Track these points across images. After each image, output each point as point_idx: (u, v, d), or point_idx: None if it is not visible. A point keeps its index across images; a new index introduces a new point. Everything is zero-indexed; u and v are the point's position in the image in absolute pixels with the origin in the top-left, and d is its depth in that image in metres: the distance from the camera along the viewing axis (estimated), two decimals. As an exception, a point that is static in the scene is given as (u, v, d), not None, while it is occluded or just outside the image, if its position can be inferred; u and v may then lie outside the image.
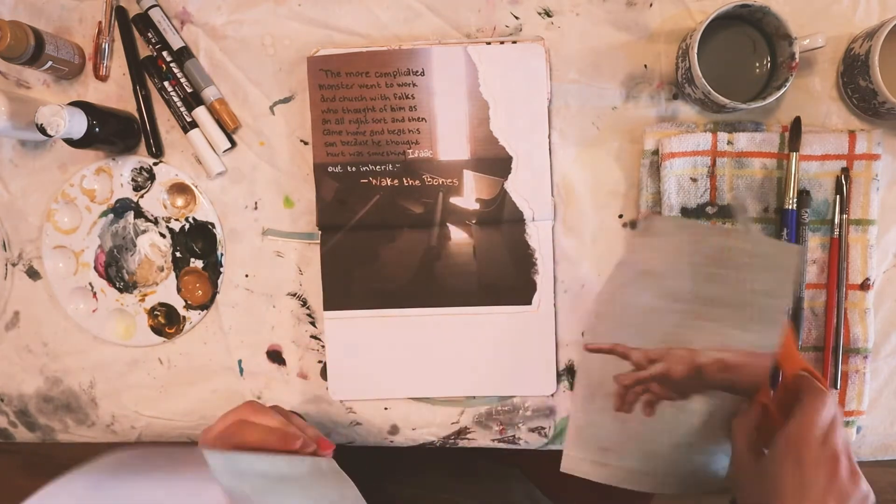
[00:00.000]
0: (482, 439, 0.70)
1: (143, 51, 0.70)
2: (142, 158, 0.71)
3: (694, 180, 0.64)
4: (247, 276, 0.71)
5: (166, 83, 0.69)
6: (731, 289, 0.55)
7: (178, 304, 0.71)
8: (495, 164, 0.67)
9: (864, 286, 0.64)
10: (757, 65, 0.63)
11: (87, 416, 0.74)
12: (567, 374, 0.69)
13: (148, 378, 0.73)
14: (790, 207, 0.63)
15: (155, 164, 0.70)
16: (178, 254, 0.71)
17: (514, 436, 0.70)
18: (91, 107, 0.64)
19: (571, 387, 0.69)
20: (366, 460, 0.69)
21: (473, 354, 0.69)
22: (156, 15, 0.69)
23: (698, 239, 0.57)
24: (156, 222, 0.71)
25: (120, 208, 0.71)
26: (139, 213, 0.71)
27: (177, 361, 0.73)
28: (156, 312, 0.72)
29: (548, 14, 0.67)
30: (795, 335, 0.64)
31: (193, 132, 0.69)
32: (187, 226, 0.71)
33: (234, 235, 0.71)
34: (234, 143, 0.70)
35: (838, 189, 0.64)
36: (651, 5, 0.66)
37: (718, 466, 0.57)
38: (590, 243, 0.68)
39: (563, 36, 0.67)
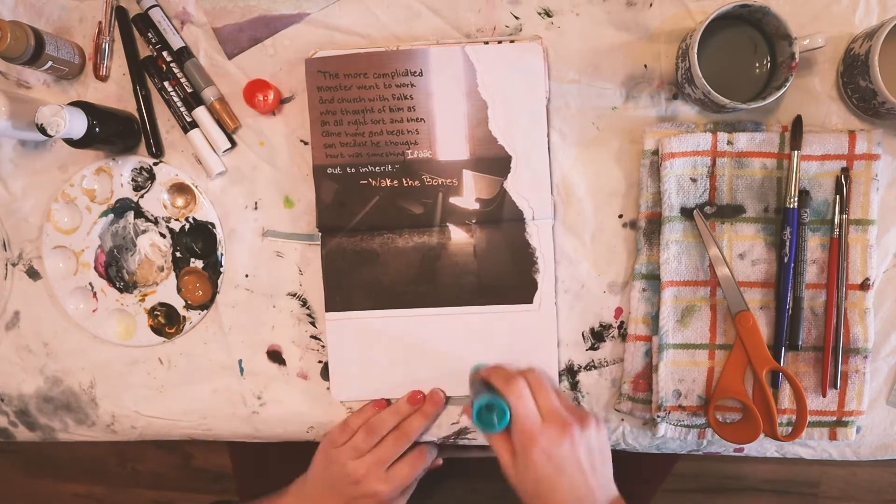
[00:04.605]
0: (482, 439, 0.70)
1: (143, 51, 0.70)
2: (142, 158, 0.71)
3: (694, 180, 0.64)
4: (247, 276, 0.71)
5: (166, 83, 0.69)
6: None
7: (178, 304, 0.71)
8: (494, 163, 0.67)
9: (864, 286, 0.64)
10: (757, 65, 0.63)
11: (87, 416, 0.74)
12: (567, 373, 0.69)
13: (148, 378, 0.73)
14: (791, 206, 0.63)
15: (155, 164, 0.71)
16: (178, 254, 0.71)
17: (514, 436, 0.70)
18: (91, 107, 0.64)
19: (572, 387, 0.69)
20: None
21: (474, 354, 0.68)
22: (156, 15, 0.69)
23: None
24: (156, 222, 0.71)
25: (120, 208, 0.71)
26: (139, 213, 0.71)
27: (177, 361, 0.73)
28: (156, 312, 0.72)
29: (548, 14, 0.67)
30: (762, 332, 0.64)
31: (193, 132, 0.69)
32: (187, 226, 0.71)
33: (234, 235, 0.71)
34: (234, 143, 0.70)
35: (838, 189, 0.64)
36: (651, 5, 0.66)
37: None
38: (590, 243, 0.68)
39: (563, 36, 0.67)
